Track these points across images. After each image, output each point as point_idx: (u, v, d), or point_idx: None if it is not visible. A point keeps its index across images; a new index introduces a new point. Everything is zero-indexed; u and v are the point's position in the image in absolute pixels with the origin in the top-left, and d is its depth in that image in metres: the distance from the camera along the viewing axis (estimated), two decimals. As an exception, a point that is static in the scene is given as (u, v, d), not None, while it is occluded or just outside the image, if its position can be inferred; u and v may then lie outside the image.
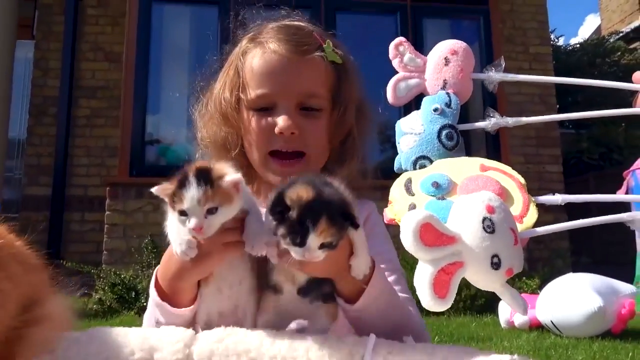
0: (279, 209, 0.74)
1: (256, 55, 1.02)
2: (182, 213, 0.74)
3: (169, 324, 0.82)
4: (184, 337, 0.75)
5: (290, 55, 1.00)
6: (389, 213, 0.78)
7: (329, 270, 0.79)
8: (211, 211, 0.74)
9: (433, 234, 0.62)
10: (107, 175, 5.09)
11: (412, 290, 0.80)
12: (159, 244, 4.33)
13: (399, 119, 0.92)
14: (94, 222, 5.02)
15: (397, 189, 0.80)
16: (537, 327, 3.35)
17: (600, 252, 7.42)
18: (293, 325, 0.85)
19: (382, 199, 0.88)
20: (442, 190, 0.75)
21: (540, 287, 3.66)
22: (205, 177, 0.74)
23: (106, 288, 3.82)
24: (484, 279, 0.66)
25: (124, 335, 0.75)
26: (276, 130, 0.99)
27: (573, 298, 3.07)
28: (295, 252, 0.73)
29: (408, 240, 0.62)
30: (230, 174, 0.76)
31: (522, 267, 0.69)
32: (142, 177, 4.71)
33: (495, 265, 0.65)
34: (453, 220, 0.67)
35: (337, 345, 0.77)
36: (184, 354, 0.74)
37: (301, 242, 0.71)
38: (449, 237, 0.64)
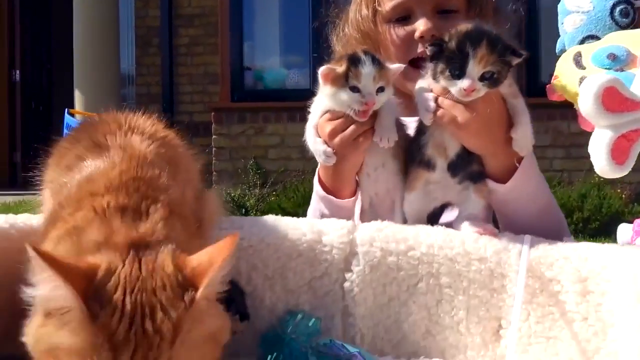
0: (436, 44, 0.77)
1: None
2: (354, 89, 0.80)
3: (333, 215, 0.90)
4: (347, 225, 0.81)
5: None
6: (554, 88, 0.74)
7: (484, 137, 0.80)
8: (380, 89, 0.81)
9: (617, 99, 0.59)
10: (209, 102, 5.34)
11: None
12: (262, 166, 4.58)
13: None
14: (201, 146, 5.35)
15: (564, 63, 0.76)
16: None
17: None
18: (447, 217, 0.88)
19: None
20: (619, 62, 0.70)
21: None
22: (377, 59, 0.81)
23: (218, 205, 4.15)
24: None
25: (295, 222, 0.83)
26: (416, 35, 0.99)
27: None
28: (455, 87, 0.74)
29: (587, 104, 0.60)
30: None
31: None
32: (242, 102, 4.89)
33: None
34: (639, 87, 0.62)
35: (492, 239, 0.78)
36: (348, 238, 0.79)
37: (460, 73, 0.73)
38: (635, 102, 0.60)
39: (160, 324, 0.41)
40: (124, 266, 0.44)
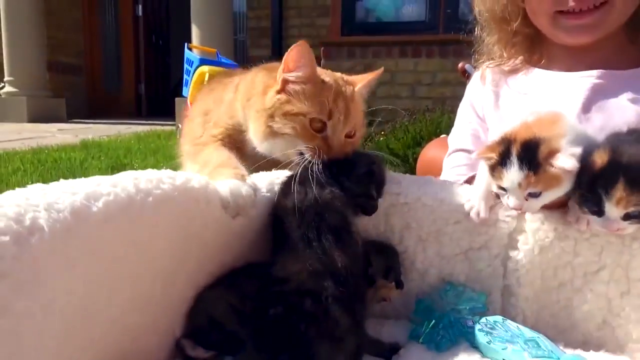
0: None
1: None
2: (502, 188, 0.69)
3: None
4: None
5: None
6: None
7: None
8: (533, 195, 0.66)
9: None
10: (316, 36, 5.22)
11: None
12: (371, 104, 4.45)
13: None
14: (308, 82, 5.33)
15: None
16: None
17: None
18: None
19: None
20: None
21: None
22: (531, 158, 0.64)
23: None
24: None
25: (459, 187, 0.76)
26: None
27: None
28: (595, 222, 0.65)
29: None
30: (564, 149, 0.63)
31: None
32: (352, 35, 4.72)
33: None
34: None
35: None
36: (516, 212, 0.70)
37: (599, 211, 0.63)
38: None
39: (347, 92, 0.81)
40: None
